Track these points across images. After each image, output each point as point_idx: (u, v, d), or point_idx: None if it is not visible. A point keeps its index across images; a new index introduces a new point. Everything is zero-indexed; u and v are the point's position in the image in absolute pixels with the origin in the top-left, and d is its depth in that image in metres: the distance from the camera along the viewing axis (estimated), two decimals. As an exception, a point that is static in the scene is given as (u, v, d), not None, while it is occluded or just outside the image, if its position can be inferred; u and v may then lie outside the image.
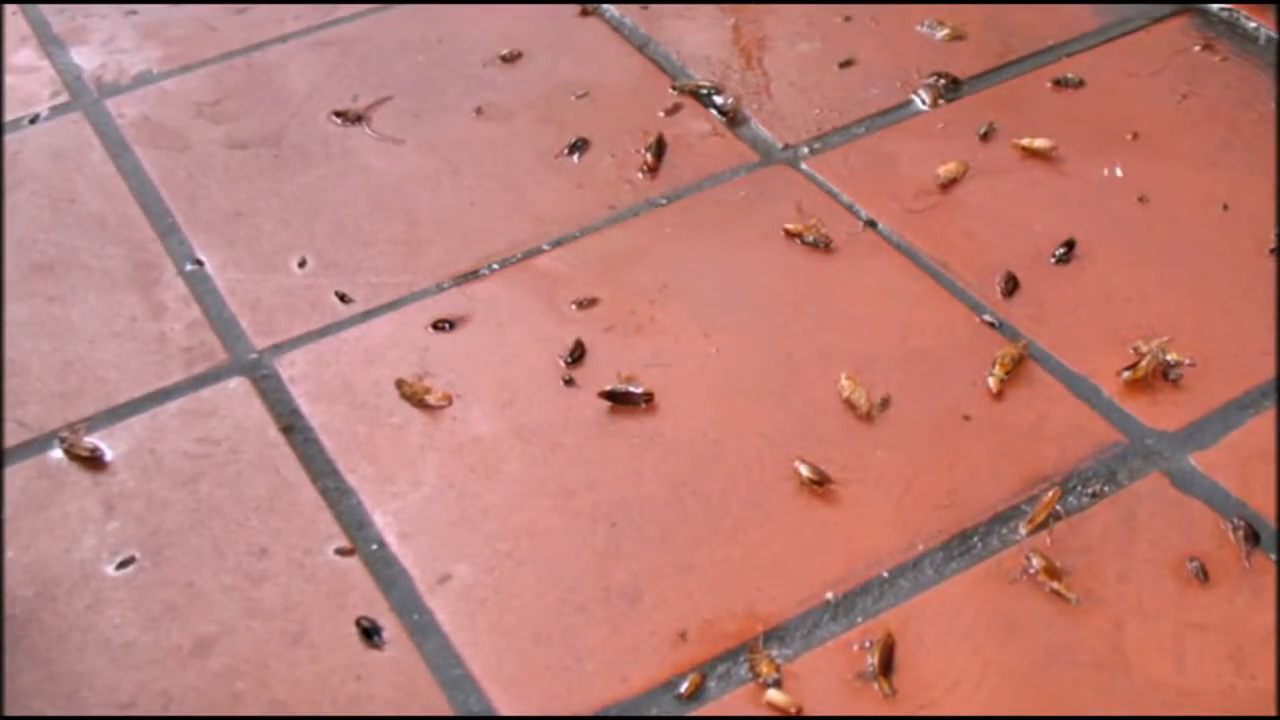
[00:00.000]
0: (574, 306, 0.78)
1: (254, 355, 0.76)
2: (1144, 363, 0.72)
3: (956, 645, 0.61)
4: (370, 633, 0.62)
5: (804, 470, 0.67)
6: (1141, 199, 0.83)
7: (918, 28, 0.98)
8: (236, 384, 0.74)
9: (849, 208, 0.84)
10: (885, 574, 0.64)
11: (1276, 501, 0.66)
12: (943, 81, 0.92)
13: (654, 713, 0.59)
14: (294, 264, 0.81)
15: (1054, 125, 0.88)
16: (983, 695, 0.59)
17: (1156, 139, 0.87)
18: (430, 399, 0.72)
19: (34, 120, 0.94)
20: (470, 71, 0.96)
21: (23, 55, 1.00)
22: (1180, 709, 0.58)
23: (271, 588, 0.64)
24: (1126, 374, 0.72)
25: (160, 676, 0.61)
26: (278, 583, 0.64)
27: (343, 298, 0.79)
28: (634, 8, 1.02)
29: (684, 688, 0.60)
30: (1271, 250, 0.79)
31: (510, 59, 0.97)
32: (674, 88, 0.94)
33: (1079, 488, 0.67)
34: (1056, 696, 0.59)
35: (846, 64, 0.95)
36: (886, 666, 0.60)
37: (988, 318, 0.76)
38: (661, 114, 0.92)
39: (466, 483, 0.69)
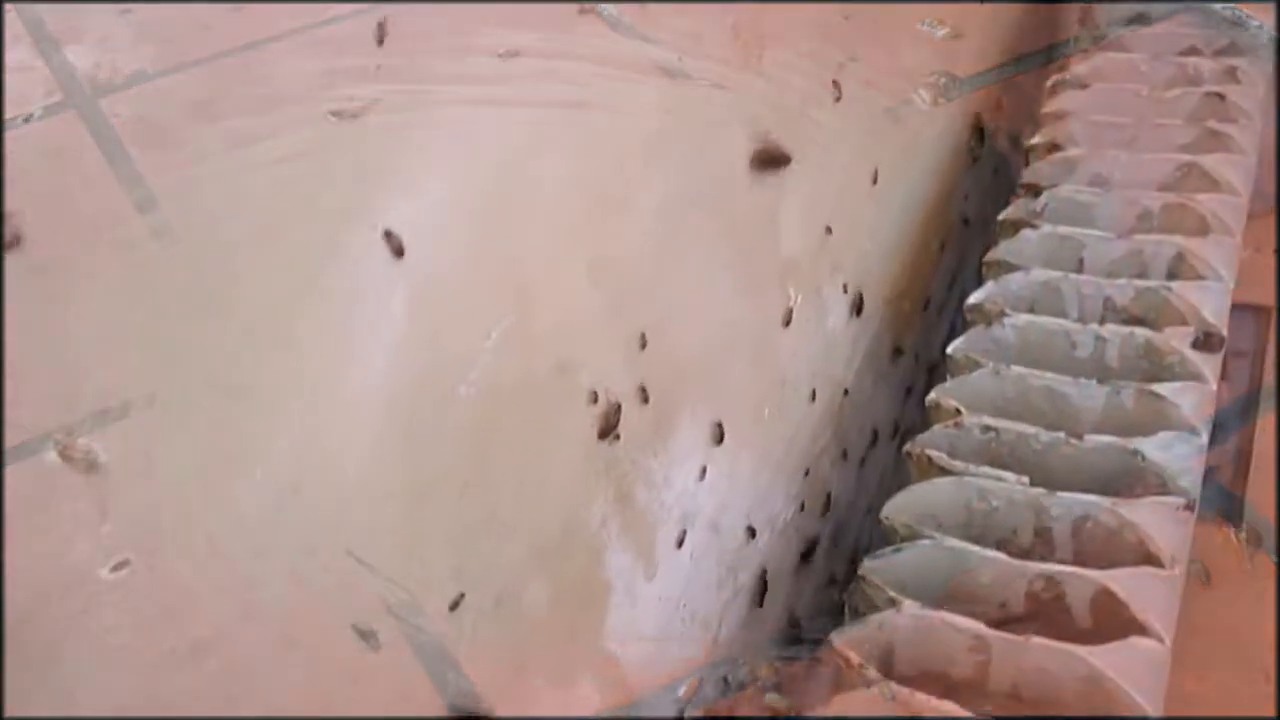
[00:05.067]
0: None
1: (250, 356, 0.75)
2: (1145, 363, 0.71)
3: (957, 648, 0.60)
4: (367, 636, 0.62)
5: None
6: (1142, 199, 0.83)
7: (918, 27, 0.98)
8: (232, 385, 0.74)
9: (848, 207, 0.83)
10: (885, 576, 0.63)
11: (1278, 503, 0.66)
12: (943, 80, 0.92)
13: (652, 715, 0.59)
14: (290, 264, 0.81)
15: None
16: (984, 698, 0.58)
17: (1157, 138, 0.87)
18: (427, 400, 0.72)
19: (28, 120, 0.94)
20: (467, 70, 0.96)
21: (16, 54, 1.00)
22: (1181, 711, 0.58)
23: (267, 591, 0.64)
24: (1127, 375, 0.71)
25: (155, 680, 0.61)
26: (273, 586, 0.64)
27: (339, 298, 0.79)
28: (632, 7, 1.01)
29: (682, 690, 0.59)
30: (1273, 250, 0.79)
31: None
32: (672, 87, 0.93)
33: (1080, 489, 0.67)
34: (1058, 700, 0.58)
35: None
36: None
37: (988, 318, 0.76)
38: (659, 113, 0.91)
39: (464, 484, 0.68)
